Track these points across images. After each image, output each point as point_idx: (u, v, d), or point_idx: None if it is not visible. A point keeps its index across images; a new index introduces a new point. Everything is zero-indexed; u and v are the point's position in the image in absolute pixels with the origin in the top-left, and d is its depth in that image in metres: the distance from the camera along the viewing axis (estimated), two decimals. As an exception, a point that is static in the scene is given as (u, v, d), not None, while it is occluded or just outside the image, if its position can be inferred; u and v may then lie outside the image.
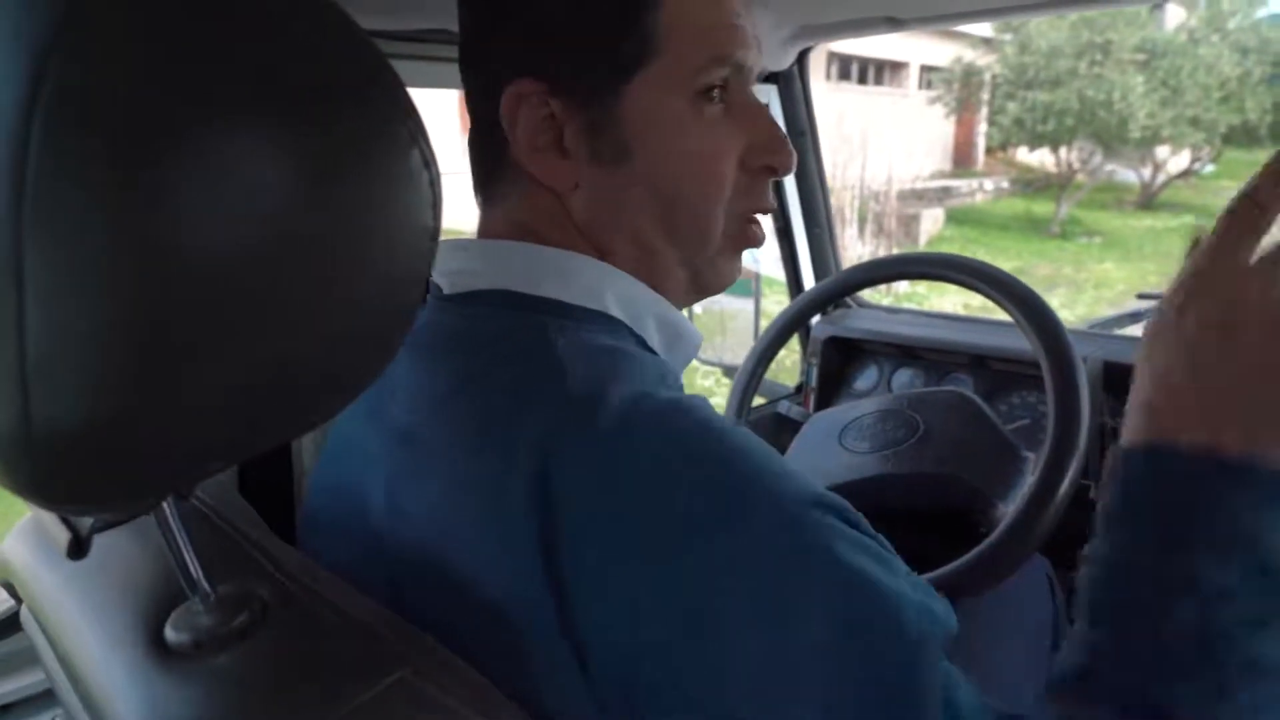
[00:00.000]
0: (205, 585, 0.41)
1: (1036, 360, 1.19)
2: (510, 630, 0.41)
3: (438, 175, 0.37)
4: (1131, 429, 0.44)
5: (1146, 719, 0.39)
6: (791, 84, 1.42)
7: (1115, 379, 1.15)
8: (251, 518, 0.53)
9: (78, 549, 0.39)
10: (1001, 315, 1.03)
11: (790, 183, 1.51)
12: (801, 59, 1.39)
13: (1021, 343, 1.26)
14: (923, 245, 11.58)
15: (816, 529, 0.40)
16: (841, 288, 1.22)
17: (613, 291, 0.51)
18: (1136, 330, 1.35)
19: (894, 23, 1.17)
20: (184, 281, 0.28)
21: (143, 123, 0.27)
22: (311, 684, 0.38)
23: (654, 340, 0.53)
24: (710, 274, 0.55)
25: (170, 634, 0.41)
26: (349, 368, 0.36)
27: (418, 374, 0.49)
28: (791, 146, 0.54)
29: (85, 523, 0.40)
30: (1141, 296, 1.36)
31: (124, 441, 0.30)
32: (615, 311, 0.51)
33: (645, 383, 0.45)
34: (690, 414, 0.43)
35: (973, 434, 1.03)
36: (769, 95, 1.41)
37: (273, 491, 0.89)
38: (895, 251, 10.20)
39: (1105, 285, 9.10)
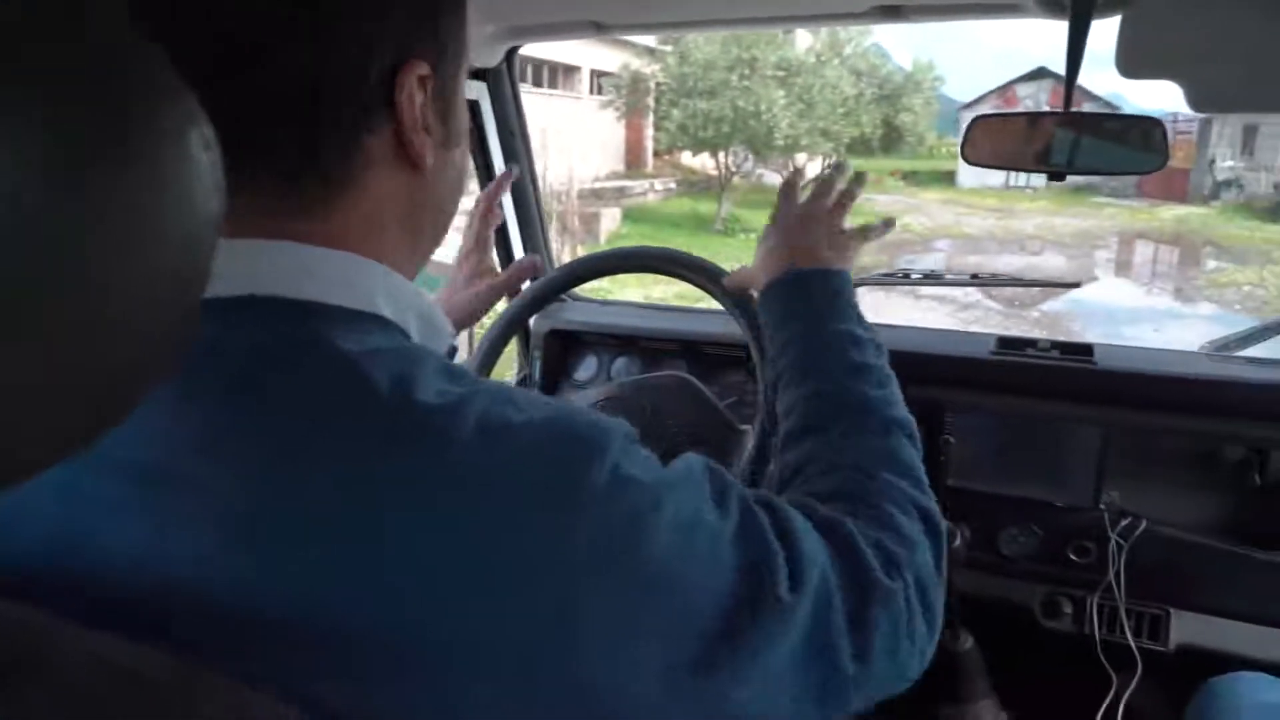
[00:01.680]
0: None
1: (741, 343, 1.31)
2: (345, 656, 0.39)
3: (219, 159, 0.33)
4: (766, 272, 0.81)
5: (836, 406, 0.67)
6: (501, 82, 1.42)
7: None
8: None
9: None
10: (707, 304, 1.12)
11: (503, 181, 1.52)
12: (510, 58, 1.40)
13: (723, 328, 1.38)
14: (604, 242, 12.13)
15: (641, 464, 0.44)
16: (563, 283, 1.26)
17: (382, 290, 0.49)
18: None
19: (599, 27, 1.22)
20: None
21: None
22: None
23: (415, 335, 0.51)
24: None
25: None
26: (119, 383, 0.31)
27: (164, 400, 0.43)
28: None
29: None
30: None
31: None
32: (384, 311, 0.48)
33: (440, 378, 0.44)
34: (502, 394, 0.44)
35: (696, 414, 1.12)
36: (479, 92, 1.40)
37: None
38: (580, 248, 10.59)
39: (764, 277, 10.16)
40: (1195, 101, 0.99)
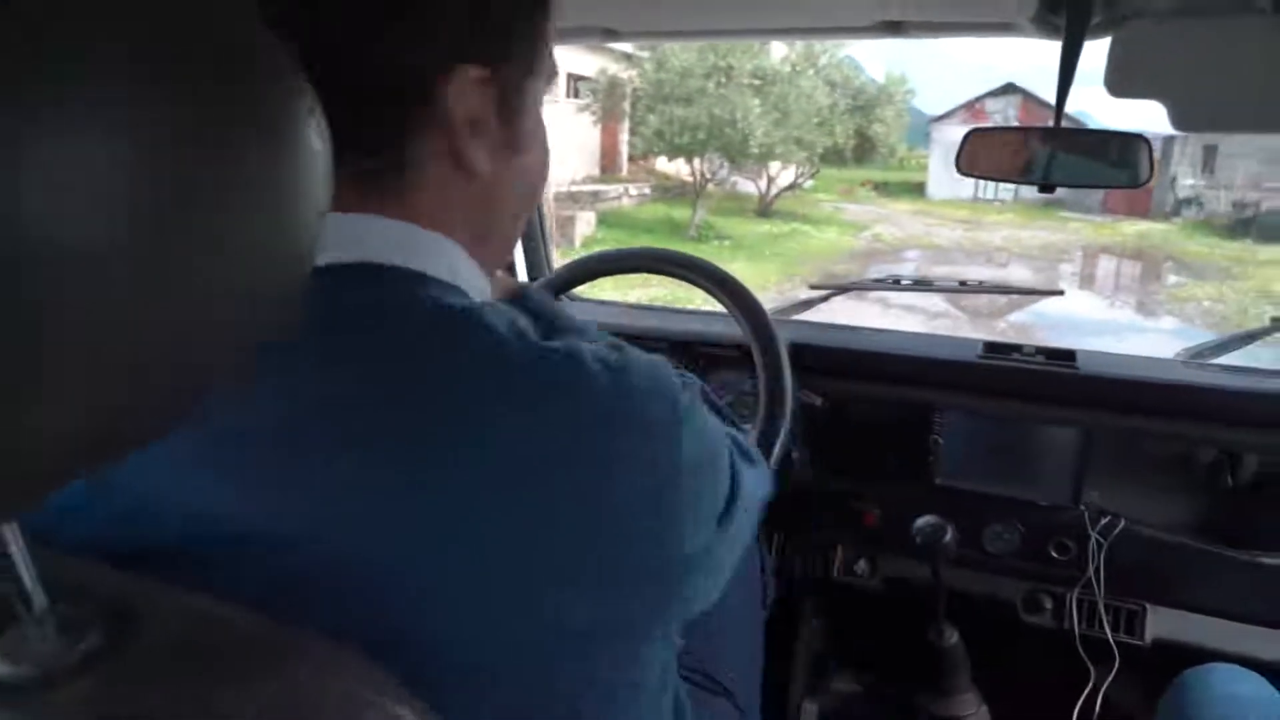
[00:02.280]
0: (44, 603, 0.36)
1: (736, 343, 1.34)
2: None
3: (330, 151, 0.35)
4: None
5: None
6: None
7: (799, 357, 1.34)
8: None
9: None
10: (698, 304, 1.15)
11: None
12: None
13: (718, 328, 1.42)
14: (578, 246, 12.12)
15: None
16: (565, 282, 1.28)
17: (462, 269, 0.51)
18: (810, 316, 1.59)
19: (611, 34, 1.25)
20: (29, 271, 0.25)
21: None
22: (207, 692, 0.35)
23: None
24: None
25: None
26: (227, 354, 0.34)
27: (285, 363, 0.43)
28: None
29: None
30: (812, 287, 1.58)
31: None
32: (461, 284, 0.51)
33: (534, 326, 0.48)
34: (591, 339, 0.50)
35: (699, 411, 1.15)
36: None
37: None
38: (555, 251, 10.56)
39: (738, 283, 10.23)
40: (1180, 121, 1.04)
